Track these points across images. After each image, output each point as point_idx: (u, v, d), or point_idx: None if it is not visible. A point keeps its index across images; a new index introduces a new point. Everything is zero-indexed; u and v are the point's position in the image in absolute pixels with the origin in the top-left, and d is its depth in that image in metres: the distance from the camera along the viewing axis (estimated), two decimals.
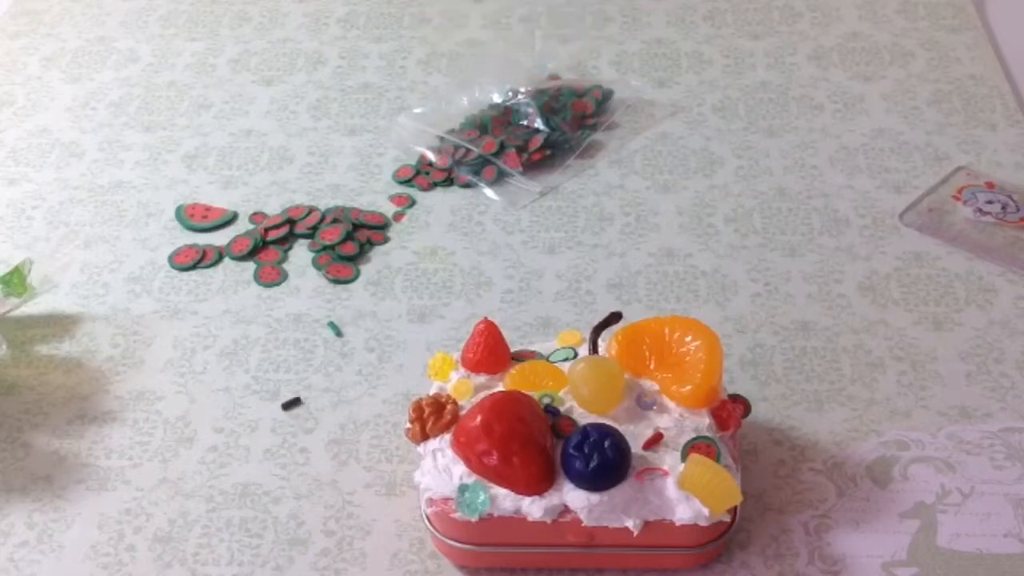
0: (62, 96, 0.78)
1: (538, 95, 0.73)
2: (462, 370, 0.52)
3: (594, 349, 0.51)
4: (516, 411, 0.48)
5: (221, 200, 0.70)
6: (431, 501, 0.49)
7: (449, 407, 0.50)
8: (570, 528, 0.48)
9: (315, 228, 0.67)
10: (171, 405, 0.58)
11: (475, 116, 0.73)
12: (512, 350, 0.52)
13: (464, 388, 0.51)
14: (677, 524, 0.47)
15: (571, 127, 0.72)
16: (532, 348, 0.53)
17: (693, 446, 0.48)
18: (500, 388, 0.50)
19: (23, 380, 0.59)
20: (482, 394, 0.50)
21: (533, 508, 0.47)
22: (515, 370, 0.51)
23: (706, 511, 0.47)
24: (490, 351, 0.51)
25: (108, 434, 0.57)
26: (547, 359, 0.52)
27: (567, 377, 0.50)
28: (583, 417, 0.49)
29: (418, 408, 0.50)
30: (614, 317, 0.52)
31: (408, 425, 0.50)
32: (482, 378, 0.51)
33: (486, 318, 0.53)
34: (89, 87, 0.79)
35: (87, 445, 0.56)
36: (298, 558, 0.51)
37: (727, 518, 0.49)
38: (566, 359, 0.52)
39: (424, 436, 0.50)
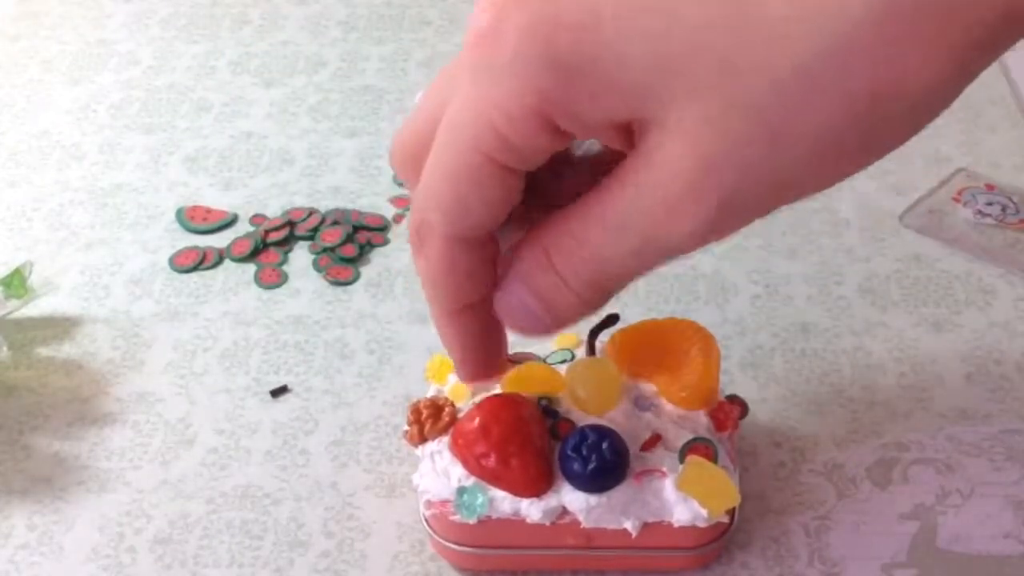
0: (62, 98, 0.78)
1: None
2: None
3: (591, 351, 0.51)
4: (514, 413, 0.48)
5: (221, 202, 0.70)
6: (429, 503, 0.49)
7: (447, 409, 0.50)
8: (569, 530, 0.48)
9: (315, 230, 0.67)
10: (171, 407, 0.58)
11: None
12: (510, 352, 0.52)
13: (462, 390, 0.51)
14: (676, 525, 0.48)
15: None
16: (529, 350, 0.53)
17: (691, 447, 0.48)
18: (498, 390, 0.50)
19: (23, 382, 0.59)
20: (480, 396, 0.50)
21: (532, 510, 0.47)
22: (513, 372, 0.51)
23: (704, 512, 0.47)
24: None
25: (109, 436, 0.57)
26: (544, 361, 0.52)
27: (565, 379, 0.50)
28: (581, 419, 0.49)
29: (416, 411, 0.50)
30: (611, 319, 0.52)
31: (406, 428, 0.51)
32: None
33: None
34: (90, 89, 0.79)
35: (88, 447, 0.56)
36: (298, 560, 0.51)
37: (726, 519, 0.49)
38: (563, 361, 0.52)
39: (422, 439, 0.50)
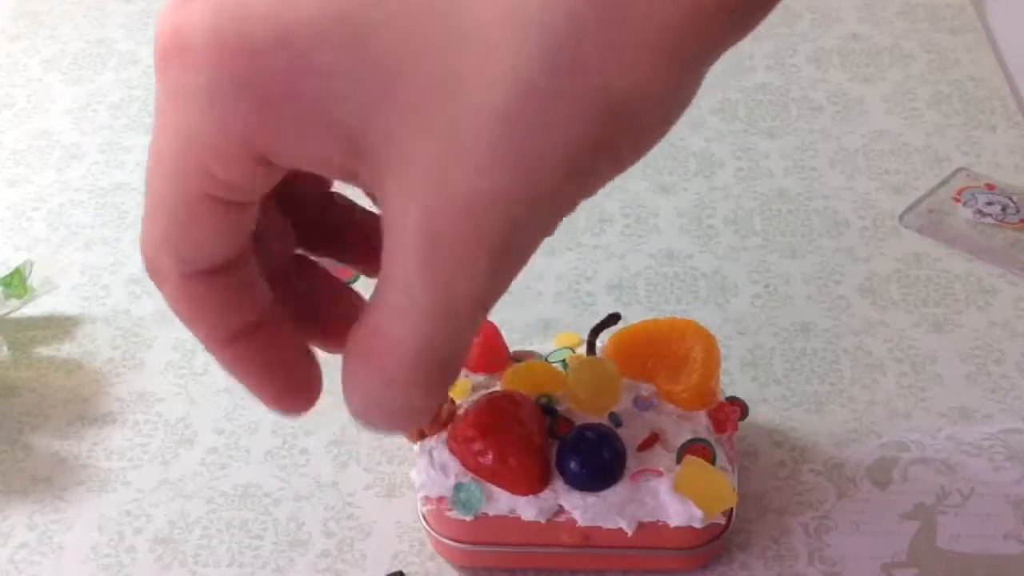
0: (63, 98, 0.78)
1: None
2: (461, 369, 0.52)
3: (591, 350, 0.51)
4: (512, 411, 0.48)
5: None
6: (426, 500, 0.49)
7: (446, 406, 0.50)
8: (565, 528, 0.48)
9: None
10: (171, 407, 0.58)
11: None
12: (512, 350, 0.53)
13: (463, 387, 0.51)
14: (672, 526, 0.48)
15: None
16: (531, 349, 0.53)
17: (688, 448, 0.48)
18: (498, 388, 0.50)
19: (23, 382, 0.59)
20: (480, 393, 0.50)
21: (528, 508, 0.48)
22: (513, 370, 0.51)
23: (700, 513, 0.47)
24: (489, 351, 0.51)
25: (108, 435, 0.57)
26: (546, 360, 0.52)
27: (564, 378, 0.50)
28: (580, 418, 0.49)
29: None
30: (612, 318, 0.52)
31: None
32: (480, 377, 0.51)
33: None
34: (90, 89, 0.79)
35: (87, 447, 0.56)
36: (298, 559, 0.51)
37: (722, 520, 0.49)
38: (564, 360, 0.52)
39: (421, 435, 0.50)
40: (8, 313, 0.61)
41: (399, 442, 0.55)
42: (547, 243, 0.69)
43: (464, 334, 0.33)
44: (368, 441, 0.56)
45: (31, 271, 0.62)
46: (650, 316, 0.53)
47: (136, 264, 0.66)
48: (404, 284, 0.31)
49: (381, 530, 0.52)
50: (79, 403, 0.58)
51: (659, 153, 0.72)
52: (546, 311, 0.62)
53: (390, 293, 0.32)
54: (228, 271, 0.34)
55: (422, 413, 0.35)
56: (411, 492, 0.53)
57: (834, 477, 0.53)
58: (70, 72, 0.81)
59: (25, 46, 0.83)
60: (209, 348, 0.35)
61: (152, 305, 0.63)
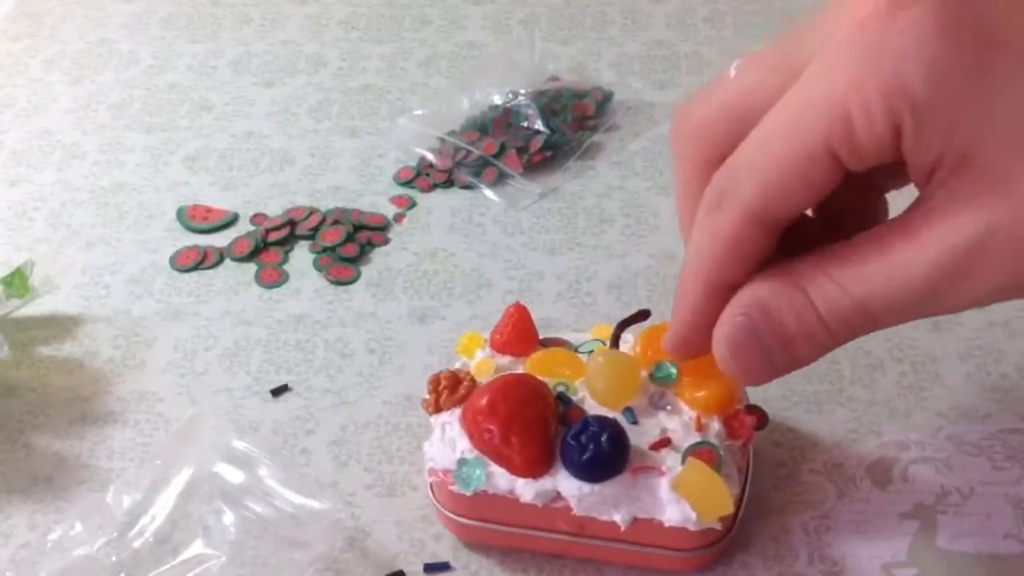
0: (63, 98, 0.78)
1: (538, 97, 0.74)
2: (488, 350, 0.52)
3: (615, 344, 0.51)
4: (522, 394, 0.48)
5: (222, 201, 0.70)
6: (433, 471, 0.50)
7: (465, 383, 0.50)
8: (560, 514, 0.48)
9: (316, 229, 0.67)
10: (172, 406, 0.58)
11: (475, 118, 0.73)
12: (542, 337, 0.53)
13: (486, 367, 0.51)
14: (666, 524, 0.48)
15: (571, 129, 0.72)
16: (564, 337, 0.53)
17: (695, 451, 0.48)
18: (520, 371, 0.51)
19: (24, 381, 0.60)
20: (499, 375, 0.50)
21: (526, 490, 0.48)
22: (537, 355, 0.51)
23: (694, 515, 0.47)
24: (517, 334, 0.52)
25: (110, 435, 0.57)
26: (575, 349, 0.52)
27: (585, 368, 0.50)
28: (595, 409, 0.49)
29: (435, 381, 0.51)
30: (641, 314, 0.51)
31: (426, 396, 0.51)
32: (506, 359, 0.52)
33: (518, 302, 0.53)
34: (90, 89, 0.79)
35: (88, 446, 0.56)
36: (299, 559, 0.51)
37: (719, 527, 0.48)
38: (591, 351, 0.52)
39: (437, 408, 0.50)
40: (9, 313, 0.61)
41: (399, 442, 0.56)
42: (547, 243, 0.69)
43: (900, 322, 0.36)
44: (368, 441, 0.56)
45: (32, 271, 0.62)
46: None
47: (137, 264, 0.66)
48: (903, 265, 0.34)
49: (381, 529, 0.52)
50: (80, 403, 0.58)
51: (659, 153, 0.72)
52: (546, 311, 0.62)
53: (882, 262, 0.35)
54: (770, 234, 0.37)
55: (797, 364, 0.38)
56: (411, 492, 0.53)
57: (834, 477, 0.53)
58: (70, 72, 0.81)
59: (26, 46, 0.83)
60: (693, 286, 0.39)
61: (153, 305, 0.63)
